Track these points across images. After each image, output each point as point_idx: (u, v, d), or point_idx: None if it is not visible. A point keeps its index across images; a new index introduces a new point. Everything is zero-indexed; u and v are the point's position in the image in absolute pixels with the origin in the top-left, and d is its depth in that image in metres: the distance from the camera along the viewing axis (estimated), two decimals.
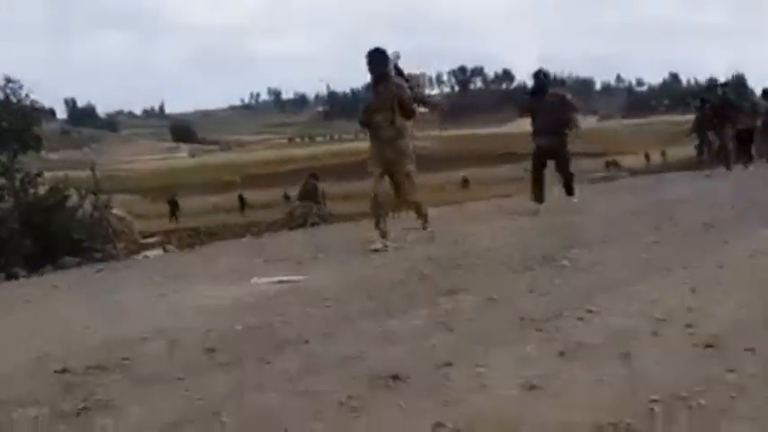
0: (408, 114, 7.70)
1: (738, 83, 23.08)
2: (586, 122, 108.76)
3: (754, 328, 3.80)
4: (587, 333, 3.81)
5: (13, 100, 15.13)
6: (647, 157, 58.00)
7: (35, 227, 13.35)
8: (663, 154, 56.18)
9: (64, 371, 3.54)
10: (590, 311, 4.18)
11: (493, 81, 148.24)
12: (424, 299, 4.63)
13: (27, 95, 15.31)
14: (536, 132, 10.40)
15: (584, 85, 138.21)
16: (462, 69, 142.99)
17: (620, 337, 3.70)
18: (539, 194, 10.27)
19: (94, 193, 14.87)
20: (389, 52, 7.75)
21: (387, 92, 7.54)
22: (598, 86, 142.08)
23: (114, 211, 17.17)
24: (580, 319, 4.07)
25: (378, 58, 7.58)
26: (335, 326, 4.14)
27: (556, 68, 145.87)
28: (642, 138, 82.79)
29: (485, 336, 3.83)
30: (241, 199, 44.09)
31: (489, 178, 49.50)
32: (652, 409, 2.85)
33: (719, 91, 17.21)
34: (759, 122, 17.21)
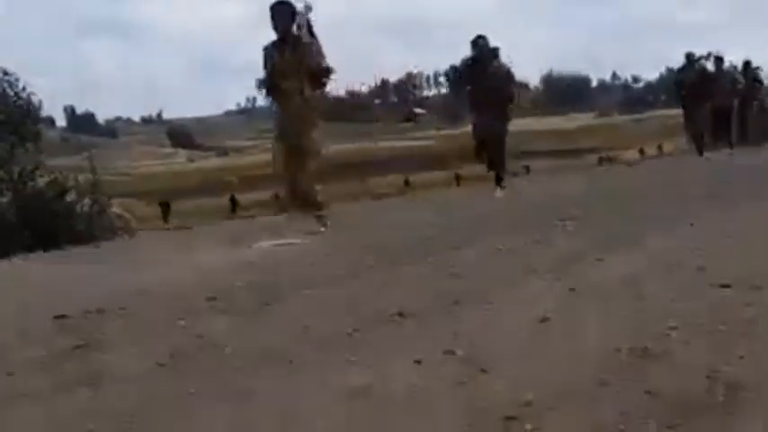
0: (318, 84, 6.36)
1: (719, 58, 20.73)
2: (583, 119, 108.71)
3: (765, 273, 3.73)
4: (598, 275, 3.73)
5: (10, 93, 15.02)
6: (641, 152, 57.97)
7: (34, 219, 13.26)
8: (659, 148, 56.12)
9: (63, 316, 3.46)
10: (599, 260, 4.09)
11: None
12: (428, 252, 4.54)
13: (24, 89, 15.23)
14: (477, 114, 9.11)
15: (581, 81, 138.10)
16: (456, 69, 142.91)
17: (633, 278, 3.62)
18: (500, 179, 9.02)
19: (93, 191, 14.78)
20: (300, 5, 6.30)
21: (295, 54, 6.19)
22: (594, 83, 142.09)
23: (114, 209, 17.11)
24: (590, 264, 3.99)
25: (281, 12, 6.19)
26: (339, 276, 4.06)
27: (552, 65, 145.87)
28: (639, 133, 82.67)
29: (492, 278, 3.75)
30: (232, 200, 43.96)
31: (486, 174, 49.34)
32: (669, 334, 2.76)
33: (696, 66, 15.07)
34: (736, 102, 16.23)
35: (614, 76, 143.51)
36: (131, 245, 7.29)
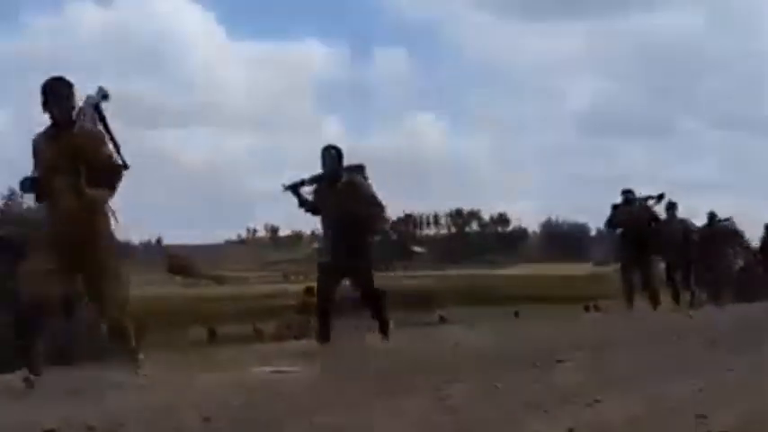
0: (107, 179, 4.92)
1: (672, 204, 17.61)
2: (580, 267, 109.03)
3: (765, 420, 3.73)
4: (597, 416, 3.70)
5: (15, 212, 15.26)
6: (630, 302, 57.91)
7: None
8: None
9: (52, 431, 3.41)
10: (598, 401, 4.07)
11: (487, 224, 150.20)
12: (425, 384, 4.52)
13: (29, 209, 15.44)
14: (326, 237, 7.11)
15: (580, 229, 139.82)
16: (459, 212, 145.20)
17: (632, 421, 3.61)
18: (322, 330, 6.89)
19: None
20: (94, 90, 4.99)
21: (73, 143, 4.80)
22: (593, 233, 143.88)
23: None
24: (588, 405, 3.96)
25: (56, 91, 4.85)
26: (338, 403, 4.03)
27: (551, 214, 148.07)
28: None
29: (490, 415, 3.72)
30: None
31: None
32: None
33: (637, 203, 12.32)
34: (694, 252, 14.22)
35: None
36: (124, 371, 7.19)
